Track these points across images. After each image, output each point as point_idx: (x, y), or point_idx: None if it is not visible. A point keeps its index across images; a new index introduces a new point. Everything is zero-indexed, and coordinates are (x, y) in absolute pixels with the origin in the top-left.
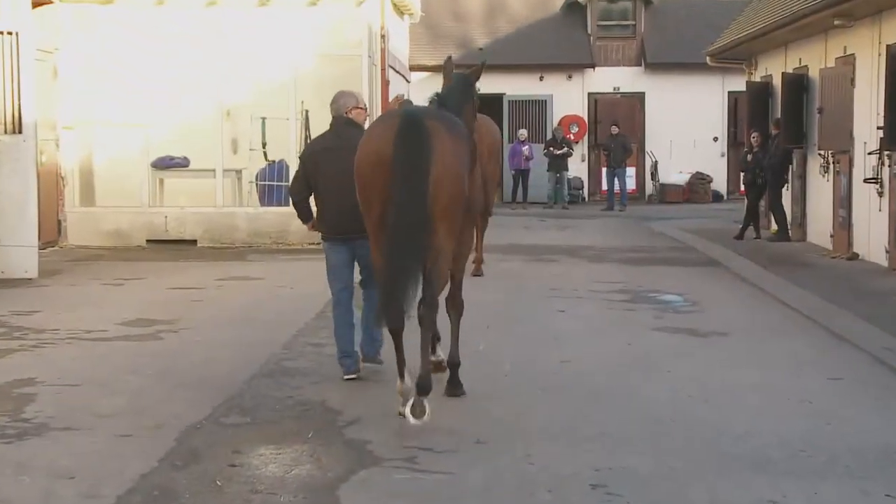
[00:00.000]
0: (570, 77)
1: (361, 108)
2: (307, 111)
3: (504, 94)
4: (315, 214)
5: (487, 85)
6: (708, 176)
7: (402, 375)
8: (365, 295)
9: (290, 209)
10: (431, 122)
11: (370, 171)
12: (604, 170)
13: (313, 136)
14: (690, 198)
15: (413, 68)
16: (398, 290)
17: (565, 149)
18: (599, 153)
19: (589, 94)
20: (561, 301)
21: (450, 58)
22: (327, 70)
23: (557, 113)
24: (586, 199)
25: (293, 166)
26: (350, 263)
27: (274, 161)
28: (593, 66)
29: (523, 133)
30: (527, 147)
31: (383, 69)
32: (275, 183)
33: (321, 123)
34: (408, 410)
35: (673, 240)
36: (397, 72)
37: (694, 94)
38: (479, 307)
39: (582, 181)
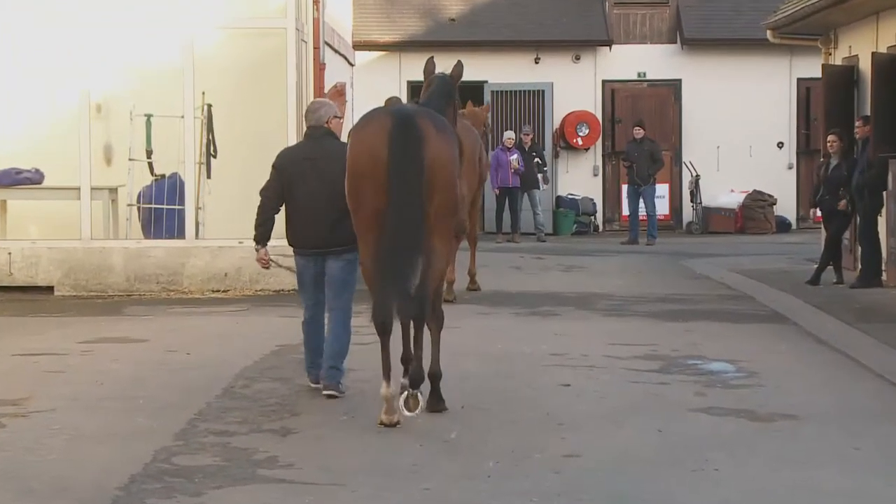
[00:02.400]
0: (577, 59)
1: (339, 118)
2: (209, 106)
3: (486, 82)
4: (286, 226)
5: (466, 70)
6: (770, 196)
7: (387, 378)
8: (332, 320)
9: (186, 243)
10: (423, 122)
11: (363, 171)
12: (624, 188)
13: (216, 139)
14: (746, 227)
15: (359, 46)
16: (394, 289)
17: (535, 159)
18: (618, 165)
19: (604, 81)
20: (566, 372)
21: (432, 58)
22: (238, 49)
23: (560, 107)
24: (600, 228)
25: (190, 182)
26: (322, 278)
27: (163, 175)
28: (609, 44)
29: (510, 137)
30: (515, 156)
31: (317, 47)
32: (165, 206)
33: (230, 121)
34: (401, 404)
35: (721, 285)
36: (336, 51)
37: (750, 82)
38: (452, 379)
39: (594, 204)
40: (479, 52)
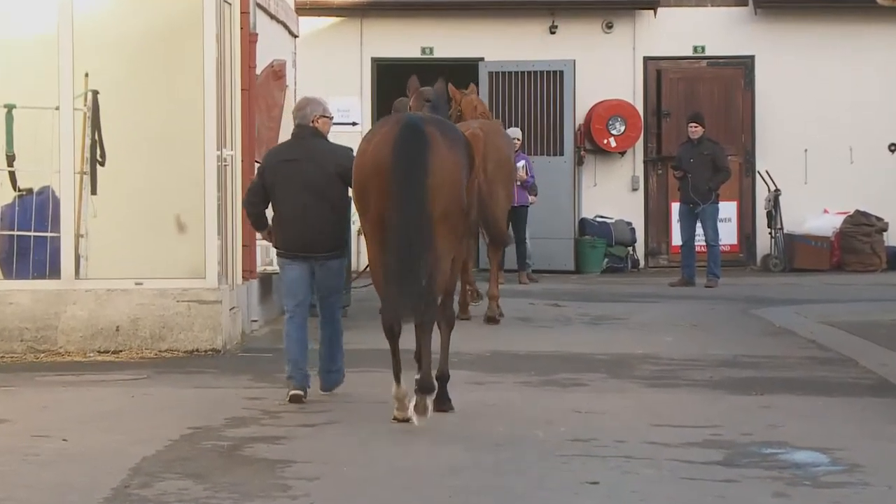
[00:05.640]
0: (608, 27)
1: (328, 118)
2: (95, 93)
3: (481, 59)
4: (271, 228)
5: (453, 44)
6: (878, 219)
7: (398, 380)
8: (321, 322)
9: (62, 285)
10: (430, 129)
11: (369, 177)
12: (675, 208)
13: (105, 140)
14: (844, 262)
15: (304, 10)
16: (400, 292)
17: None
18: (667, 175)
19: (646, 59)
20: (593, 464)
21: (414, 76)
22: (135, 15)
23: (585, 95)
24: (641, 263)
25: (68, 199)
26: (308, 279)
27: (30, 190)
28: (654, 7)
29: (516, 137)
30: (522, 162)
31: (245, 11)
32: (32, 233)
33: (125, 115)
34: (411, 410)
35: (810, 343)
36: (273, 17)
37: (849, 60)
38: (435, 474)
39: (633, 230)
40: (473, 19)
